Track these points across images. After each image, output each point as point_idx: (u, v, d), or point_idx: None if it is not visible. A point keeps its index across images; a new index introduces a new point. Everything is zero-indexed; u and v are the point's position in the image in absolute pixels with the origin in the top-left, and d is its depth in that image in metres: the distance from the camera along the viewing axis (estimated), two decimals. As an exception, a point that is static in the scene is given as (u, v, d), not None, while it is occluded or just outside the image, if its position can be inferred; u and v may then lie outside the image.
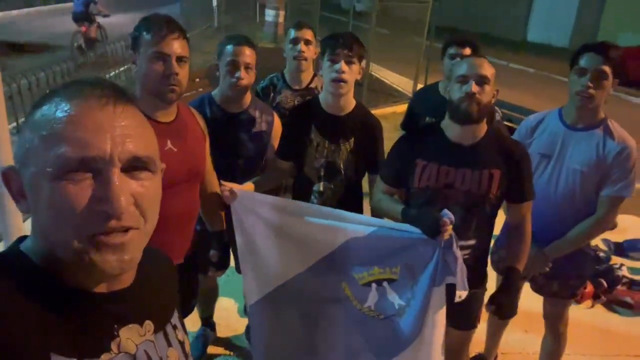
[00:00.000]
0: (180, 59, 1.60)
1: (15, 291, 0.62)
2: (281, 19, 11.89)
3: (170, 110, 1.69)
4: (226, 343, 2.67)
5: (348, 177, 2.07)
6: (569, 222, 1.98)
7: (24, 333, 0.59)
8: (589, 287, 3.23)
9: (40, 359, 0.60)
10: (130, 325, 0.71)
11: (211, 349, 2.61)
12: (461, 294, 1.51)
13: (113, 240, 0.62)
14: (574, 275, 2.14)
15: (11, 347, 0.58)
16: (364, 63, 1.99)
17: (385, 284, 1.67)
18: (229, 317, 2.83)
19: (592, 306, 3.21)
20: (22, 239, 0.70)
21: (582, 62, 1.91)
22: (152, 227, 0.69)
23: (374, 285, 1.69)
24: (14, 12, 16.84)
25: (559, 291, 2.15)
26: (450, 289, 1.55)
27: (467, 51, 2.42)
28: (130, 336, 0.71)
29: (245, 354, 2.60)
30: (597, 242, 3.88)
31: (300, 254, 1.76)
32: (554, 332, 2.26)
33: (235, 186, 1.81)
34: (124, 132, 0.64)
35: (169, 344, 0.79)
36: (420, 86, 6.80)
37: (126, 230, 0.63)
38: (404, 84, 9.04)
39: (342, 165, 2.05)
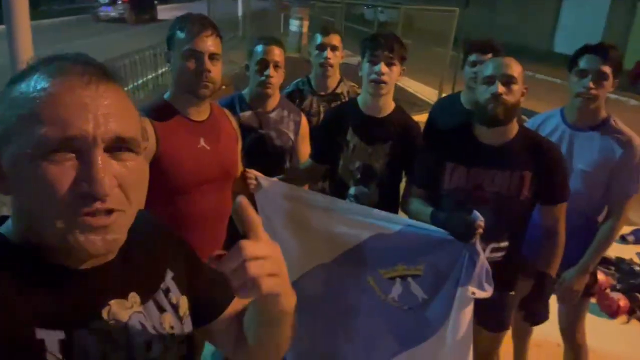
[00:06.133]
0: (212, 57, 1.61)
1: None
2: (305, 29, 12.01)
3: (203, 109, 1.70)
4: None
5: (384, 180, 2.00)
6: (574, 221, 1.89)
7: (6, 311, 0.59)
8: (624, 302, 3.12)
9: (25, 334, 0.59)
10: (114, 300, 0.70)
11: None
12: (474, 291, 1.50)
13: (97, 221, 0.61)
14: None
15: None
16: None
17: (409, 279, 1.67)
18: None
19: (628, 321, 3.08)
20: (2, 219, 0.69)
21: (582, 63, 1.93)
22: (137, 208, 0.67)
23: (398, 279, 1.69)
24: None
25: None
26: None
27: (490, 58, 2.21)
28: (117, 310, 0.69)
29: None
30: (632, 256, 3.76)
31: (325, 245, 1.75)
32: (573, 344, 2.17)
33: (260, 175, 1.79)
34: (107, 111, 0.62)
35: (161, 310, 0.77)
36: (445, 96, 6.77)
37: (110, 211, 0.61)
38: (427, 93, 8.99)
39: (378, 169, 2.00)
